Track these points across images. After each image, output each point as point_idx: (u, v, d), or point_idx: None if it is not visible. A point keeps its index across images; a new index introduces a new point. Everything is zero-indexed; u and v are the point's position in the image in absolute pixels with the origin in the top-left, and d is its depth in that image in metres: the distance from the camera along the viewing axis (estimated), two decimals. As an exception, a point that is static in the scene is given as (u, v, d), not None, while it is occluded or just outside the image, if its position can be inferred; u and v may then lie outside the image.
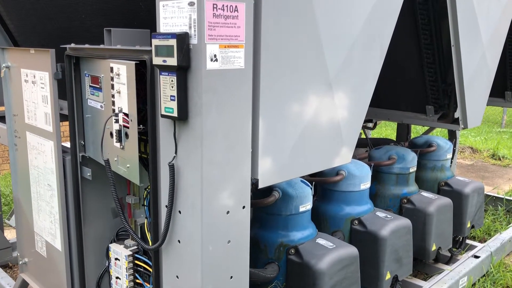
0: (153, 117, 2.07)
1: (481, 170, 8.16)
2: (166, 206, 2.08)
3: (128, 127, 2.17)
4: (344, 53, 2.47)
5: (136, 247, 2.52)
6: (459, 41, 3.43)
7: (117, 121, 2.18)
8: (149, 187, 2.23)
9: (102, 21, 2.70)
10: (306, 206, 2.96)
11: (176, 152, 2.01)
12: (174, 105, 1.89)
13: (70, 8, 2.83)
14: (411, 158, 3.93)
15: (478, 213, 4.37)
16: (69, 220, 2.65)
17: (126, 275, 2.49)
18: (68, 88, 2.48)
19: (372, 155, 4.04)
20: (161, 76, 1.92)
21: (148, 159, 2.20)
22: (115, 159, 2.31)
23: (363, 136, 4.96)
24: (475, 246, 4.45)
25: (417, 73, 3.91)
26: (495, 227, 5.16)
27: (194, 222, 2.01)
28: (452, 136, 5.36)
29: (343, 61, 2.47)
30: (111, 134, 2.26)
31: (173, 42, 1.81)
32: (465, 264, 4.01)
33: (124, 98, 2.16)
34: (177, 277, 2.16)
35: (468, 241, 4.57)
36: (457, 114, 3.85)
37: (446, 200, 3.93)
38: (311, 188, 3.01)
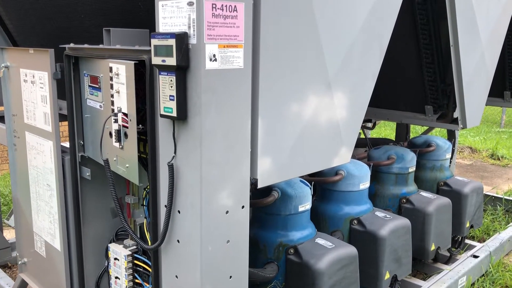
0: (152, 117, 2.07)
1: (480, 170, 8.17)
2: (166, 206, 2.08)
3: (127, 127, 2.17)
4: (343, 53, 2.47)
5: (135, 247, 2.52)
6: (458, 41, 3.43)
7: (116, 121, 2.18)
8: (148, 187, 2.24)
9: (101, 21, 2.70)
10: (305, 206, 2.97)
11: (175, 152, 2.01)
12: (173, 105, 1.89)
13: (69, 8, 2.83)
14: (410, 158, 3.93)
15: (477, 213, 4.37)
16: (68, 220, 2.65)
17: (126, 275, 2.48)
18: (67, 88, 2.48)
19: (371, 155, 4.04)
20: (160, 76, 1.92)
21: (147, 159, 2.20)
22: (114, 159, 2.31)
23: (362, 136, 4.96)
24: (474, 246, 4.46)
25: (416, 73, 3.92)
26: (494, 227, 5.17)
27: (193, 222, 2.01)
28: (451, 136, 5.36)
29: (342, 61, 2.48)
30: (110, 134, 2.26)
31: (172, 42, 1.81)
32: (464, 263, 4.02)
33: (123, 98, 2.15)
34: (176, 277, 2.17)
35: (467, 241, 4.57)
36: (456, 114, 3.85)
37: (445, 200, 3.93)
38: (310, 188, 3.01)
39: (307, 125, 2.37)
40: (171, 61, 1.83)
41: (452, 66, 3.56)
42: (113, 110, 2.23)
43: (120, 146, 2.22)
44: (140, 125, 2.15)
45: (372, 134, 8.40)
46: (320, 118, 2.44)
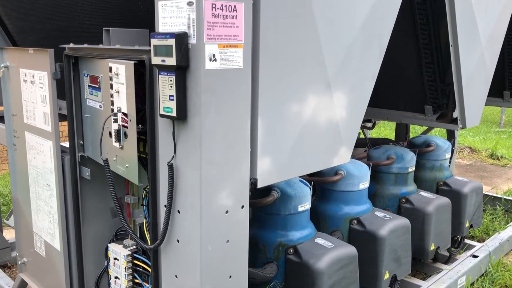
0: (152, 117, 2.07)
1: (480, 170, 8.17)
2: (165, 205, 2.08)
3: (127, 127, 2.17)
4: (343, 53, 2.47)
5: (135, 247, 2.52)
6: (457, 41, 3.44)
7: (116, 120, 2.18)
8: (148, 187, 2.24)
9: (101, 21, 2.70)
10: (305, 205, 2.97)
11: (175, 152, 2.01)
12: (173, 104, 1.89)
13: (69, 8, 2.83)
14: (410, 158, 3.93)
15: (476, 212, 4.37)
16: (68, 220, 2.65)
17: (125, 275, 2.48)
18: (67, 88, 2.48)
19: (371, 155, 4.05)
20: (160, 75, 1.92)
21: (147, 158, 2.20)
22: (114, 159, 2.31)
23: (361, 135, 4.96)
24: (474, 246, 4.46)
25: (416, 73, 3.92)
26: (493, 227, 5.17)
27: (193, 221, 2.01)
28: (450, 136, 5.36)
29: (342, 60, 2.48)
30: (110, 134, 2.26)
31: (172, 42, 1.81)
32: (464, 263, 4.02)
33: (123, 98, 2.16)
34: (176, 276, 2.17)
35: (466, 241, 4.57)
36: (456, 114, 3.86)
37: (444, 200, 3.93)
38: (310, 188, 3.02)
39: (306, 125, 2.37)
40: (171, 61, 1.83)
41: (451, 66, 3.56)
42: (112, 110, 2.23)
43: (120, 146, 2.22)
44: (140, 125, 2.15)
45: (372, 134, 8.41)
46: (320, 118, 2.44)
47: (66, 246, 2.67)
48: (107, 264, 2.64)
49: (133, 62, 2.05)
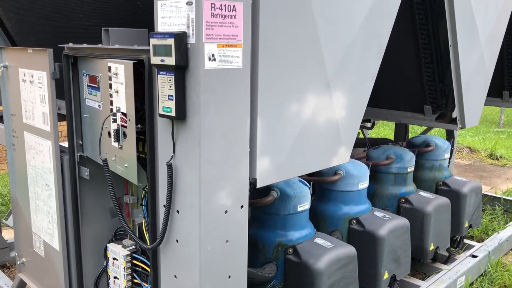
0: (151, 117, 2.07)
1: (479, 170, 8.18)
2: (164, 205, 2.08)
3: (126, 127, 2.17)
4: (342, 53, 2.47)
5: (134, 246, 2.52)
6: (456, 41, 3.44)
7: (115, 120, 2.18)
8: (147, 187, 2.23)
9: (100, 21, 2.70)
10: (304, 205, 2.97)
11: (174, 152, 2.01)
12: (172, 104, 1.89)
13: (68, 7, 2.82)
14: (409, 158, 3.93)
15: (476, 212, 4.38)
16: (67, 220, 2.65)
17: (124, 275, 2.48)
18: (66, 88, 2.48)
19: (370, 154, 4.05)
20: (159, 75, 1.92)
21: (146, 158, 2.20)
22: (113, 158, 2.31)
23: (361, 135, 4.96)
24: (473, 246, 4.46)
25: (415, 73, 3.92)
26: (492, 227, 5.17)
27: (192, 221, 2.01)
28: (450, 136, 5.37)
29: (341, 60, 2.48)
30: (109, 133, 2.26)
31: (171, 41, 1.81)
32: (463, 263, 4.02)
33: (122, 98, 2.15)
34: (175, 276, 2.16)
35: (466, 241, 4.58)
36: (455, 114, 3.86)
37: (444, 200, 3.93)
38: (309, 188, 3.01)
39: (306, 124, 2.37)
40: (170, 60, 1.83)
41: (451, 66, 3.56)
42: (112, 109, 2.23)
43: (119, 146, 2.22)
44: (139, 125, 2.15)
45: (371, 134, 8.41)
46: (319, 118, 2.44)
47: (65, 246, 2.67)
48: (106, 264, 2.64)
49: (132, 61, 2.05)
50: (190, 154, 1.96)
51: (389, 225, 3.28)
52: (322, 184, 3.46)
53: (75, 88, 2.50)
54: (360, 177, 3.40)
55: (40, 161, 2.72)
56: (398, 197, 3.90)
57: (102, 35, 2.33)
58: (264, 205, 2.85)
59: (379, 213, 3.44)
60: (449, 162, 4.62)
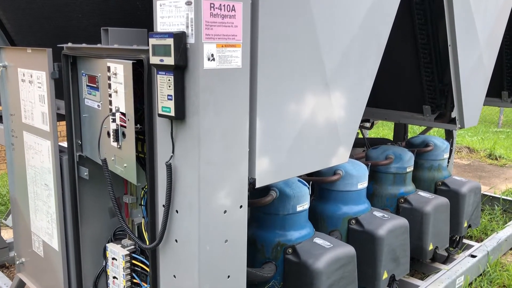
0: (150, 117, 2.07)
1: (478, 170, 8.18)
2: (164, 205, 2.08)
3: (125, 127, 2.17)
4: (341, 53, 2.48)
5: (133, 246, 2.52)
6: (456, 41, 3.44)
7: (114, 120, 2.18)
8: (146, 187, 2.23)
9: (99, 21, 2.70)
10: (303, 205, 2.97)
11: (173, 152, 2.01)
12: (171, 104, 1.89)
13: (67, 7, 2.82)
14: (408, 158, 3.94)
15: (475, 212, 4.38)
16: (66, 220, 2.65)
17: (123, 274, 2.48)
18: (65, 88, 2.48)
19: (369, 154, 4.05)
20: (158, 75, 1.92)
21: (145, 158, 2.20)
22: (112, 158, 2.30)
23: (360, 135, 4.96)
24: (472, 246, 4.46)
25: (414, 73, 3.92)
26: (491, 227, 5.18)
27: (191, 221, 2.01)
28: (449, 136, 5.37)
29: (340, 60, 2.48)
30: (108, 133, 2.26)
31: (170, 41, 1.81)
32: (462, 263, 4.02)
33: (121, 98, 2.15)
34: (174, 276, 2.16)
35: (465, 241, 4.58)
36: (454, 114, 3.86)
37: (443, 200, 3.94)
38: (308, 188, 3.01)
39: (305, 124, 2.37)
40: (169, 60, 1.83)
41: (450, 66, 3.56)
42: (111, 109, 2.23)
43: (118, 146, 2.22)
44: (138, 125, 2.15)
45: (370, 134, 8.41)
46: (318, 117, 2.44)
47: (64, 246, 2.67)
48: (105, 264, 2.64)
49: (131, 61, 2.05)
50: (189, 154, 1.96)
51: (388, 225, 3.28)
52: (321, 184, 3.46)
53: (74, 88, 2.50)
54: (359, 177, 3.40)
55: (39, 161, 2.72)
56: (397, 197, 3.91)
57: (101, 35, 2.33)
58: (263, 205, 2.85)
59: (378, 213, 3.44)
60: (448, 162, 4.63)
